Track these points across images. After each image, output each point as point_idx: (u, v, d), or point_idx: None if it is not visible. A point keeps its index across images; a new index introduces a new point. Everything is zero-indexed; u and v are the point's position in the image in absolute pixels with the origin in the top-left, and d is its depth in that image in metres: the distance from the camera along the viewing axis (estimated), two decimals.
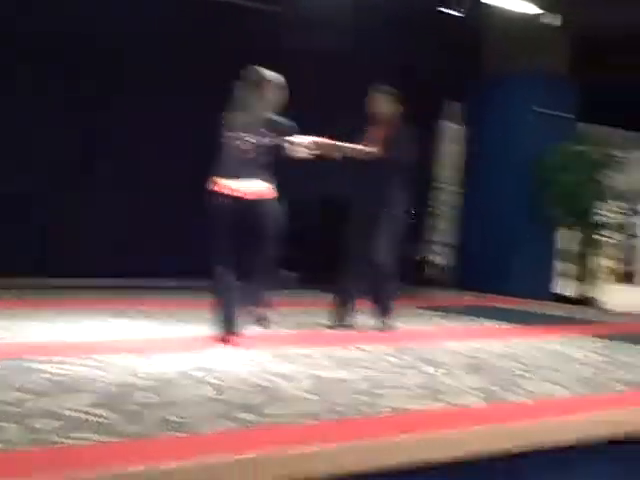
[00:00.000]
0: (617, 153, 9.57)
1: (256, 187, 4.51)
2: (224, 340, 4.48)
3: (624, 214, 12.55)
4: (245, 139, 4.58)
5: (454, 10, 8.07)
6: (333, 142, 5.26)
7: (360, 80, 8.25)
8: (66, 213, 7.72)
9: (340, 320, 5.47)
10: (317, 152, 5.04)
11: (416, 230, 5.59)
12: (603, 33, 9.30)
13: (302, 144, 4.85)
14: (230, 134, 4.63)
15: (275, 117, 4.68)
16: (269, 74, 4.71)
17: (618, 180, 9.54)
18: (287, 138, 4.70)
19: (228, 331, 4.51)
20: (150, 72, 8.03)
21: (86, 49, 7.72)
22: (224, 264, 4.57)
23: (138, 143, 8.00)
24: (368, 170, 5.41)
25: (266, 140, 4.59)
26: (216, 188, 4.52)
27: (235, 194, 4.47)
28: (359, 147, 5.42)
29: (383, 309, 5.46)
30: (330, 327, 5.42)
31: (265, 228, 4.59)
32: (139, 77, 8.00)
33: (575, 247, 9.69)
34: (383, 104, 5.50)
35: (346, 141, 5.45)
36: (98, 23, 7.78)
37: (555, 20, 8.67)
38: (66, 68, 7.71)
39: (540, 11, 8.43)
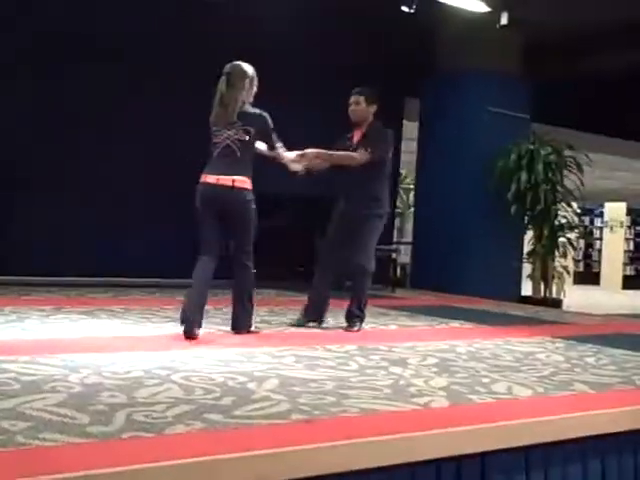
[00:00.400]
0: (571, 154, 9.72)
1: (235, 178, 4.71)
2: (187, 336, 4.54)
3: (582, 215, 12.68)
4: (227, 134, 4.74)
5: (405, 6, 8.15)
6: (323, 151, 5.34)
7: (315, 80, 8.31)
8: (36, 209, 7.68)
9: (308, 319, 5.49)
10: (307, 164, 5.18)
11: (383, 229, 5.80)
12: (554, 33, 9.44)
13: (290, 158, 5.02)
14: (214, 131, 4.81)
15: (252, 110, 4.85)
16: (248, 68, 4.81)
17: (574, 181, 9.69)
18: (279, 154, 5.00)
19: (190, 327, 4.56)
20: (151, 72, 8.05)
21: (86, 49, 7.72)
22: (207, 254, 4.74)
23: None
24: (351, 170, 5.43)
25: (244, 134, 4.76)
26: (201, 179, 4.77)
27: (213, 182, 4.71)
28: (349, 155, 5.43)
29: (358, 310, 5.49)
30: (296, 325, 5.43)
31: (236, 216, 4.79)
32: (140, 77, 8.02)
33: (536, 248, 9.81)
34: (360, 105, 5.52)
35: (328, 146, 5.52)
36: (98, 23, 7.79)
37: (503, 18, 8.77)
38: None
39: (488, 9, 8.52)
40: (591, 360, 4.68)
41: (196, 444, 2.46)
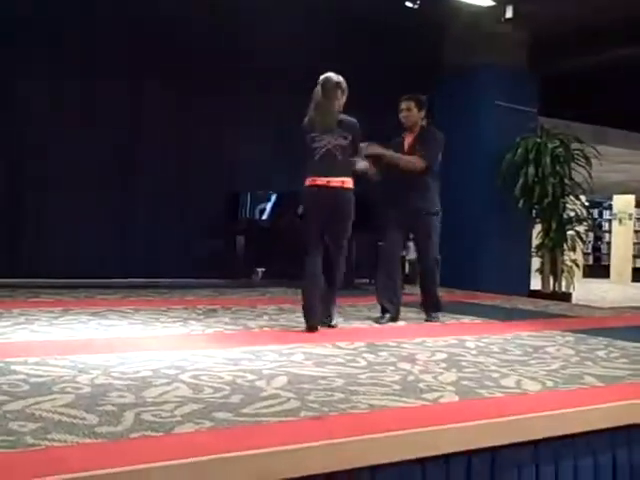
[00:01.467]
0: (579, 147, 9.68)
1: (344, 179, 5.05)
2: (311, 330, 4.95)
3: (591, 207, 12.59)
4: (327, 140, 5.07)
5: (410, 2, 8.17)
6: (389, 153, 5.62)
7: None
8: (43, 212, 7.69)
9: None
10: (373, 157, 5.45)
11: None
12: (560, 26, 9.41)
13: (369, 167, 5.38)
14: (313, 136, 5.11)
15: (349, 118, 5.16)
16: (340, 79, 5.14)
17: (582, 174, 9.64)
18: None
19: (313, 321, 5.00)
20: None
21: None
22: (315, 252, 5.08)
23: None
24: (405, 172, 5.62)
25: (343, 140, 5.09)
26: (307, 183, 5.08)
27: (324, 184, 5.03)
28: (410, 160, 5.66)
29: (434, 303, 5.94)
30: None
31: (345, 214, 5.12)
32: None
33: (545, 241, 9.76)
34: (411, 110, 5.73)
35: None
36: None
37: (508, 12, 8.78)
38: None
39: (493, 3, 8.52)
40: (601, 353, 4.66)
41: (205, 443, 2.46)
